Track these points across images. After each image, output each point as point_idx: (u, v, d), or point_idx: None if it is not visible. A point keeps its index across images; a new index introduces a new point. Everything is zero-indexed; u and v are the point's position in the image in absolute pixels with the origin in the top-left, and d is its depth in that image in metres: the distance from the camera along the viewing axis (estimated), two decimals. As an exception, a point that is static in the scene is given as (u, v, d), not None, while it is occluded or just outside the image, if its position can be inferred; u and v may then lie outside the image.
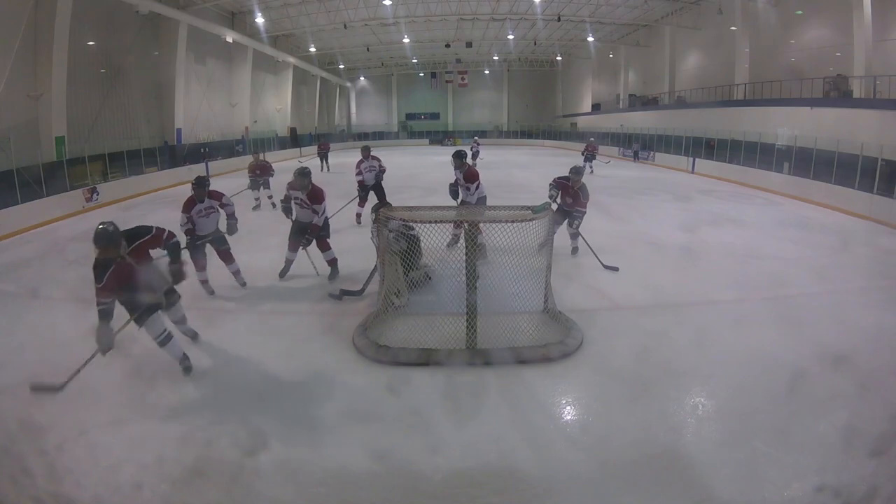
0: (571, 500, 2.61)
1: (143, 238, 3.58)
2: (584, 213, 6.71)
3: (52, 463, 2.84)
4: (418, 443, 3.04)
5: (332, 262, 6.02)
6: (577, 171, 6.70)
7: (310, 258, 5.96)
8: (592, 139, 19.59)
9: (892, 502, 2.63)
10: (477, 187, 6.61)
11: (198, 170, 17.54)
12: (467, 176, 6.57)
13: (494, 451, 2.94)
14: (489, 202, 6.65)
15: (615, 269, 6.26)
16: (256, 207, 10.53)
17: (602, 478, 2.73)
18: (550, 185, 6.69)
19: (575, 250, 6.91)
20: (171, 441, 3.02)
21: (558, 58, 36.21)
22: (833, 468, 2.76)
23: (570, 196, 6.64)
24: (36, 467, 2.80)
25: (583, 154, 17.82)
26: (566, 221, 6.80)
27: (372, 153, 8.92)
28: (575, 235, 6.87)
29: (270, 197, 10.62)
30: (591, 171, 17.08)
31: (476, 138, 24.29)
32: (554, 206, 6.12)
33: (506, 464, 2.83)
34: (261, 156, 10.92)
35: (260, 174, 10.46)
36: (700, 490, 2.61)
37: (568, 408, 3.52)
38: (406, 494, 2.65)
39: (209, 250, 5.48)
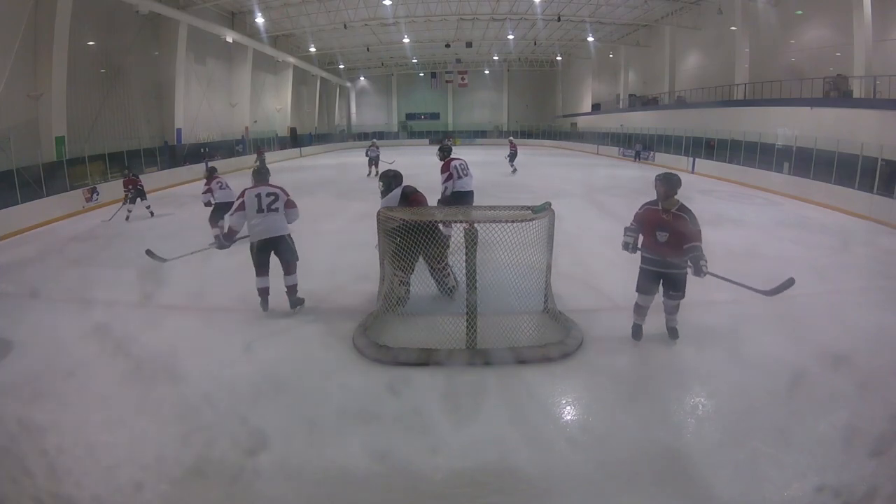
0: (571, 500, 2.61)
1: None
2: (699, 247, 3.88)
3: (52, 463, 2.83)
4: (418, 443, 3.04)
5: None
6: (667, 181, 4.03)
7: None
8: (511, 137, 19.15)
9: (892, 502, 2.63)
10: (444, 180, 6.45)
11: (198, 170, 17.59)
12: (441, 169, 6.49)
13: (494, 451, 2.93)
14: (486, 202, 6.54)
15: (790, 282, 3.90)
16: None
17: (602, 478, 2.73)
18: (628, 229, 4.15)
19: (673, 332, 4.28)
20: (171, 441, 3.02)
21: (558, 58, 36.24)
22: (833, 468, 2.76)
23: (665, 229, 3.96)
24: (36, 467, 2.79)
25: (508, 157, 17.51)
26: (663, 283, 4.09)
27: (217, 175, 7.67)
28: (675, 308, 4.22)
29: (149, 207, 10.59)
30: (515, 171, 16.98)
31: (374, 141, 19.64)
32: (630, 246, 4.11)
33: (506, 464, 2.83)
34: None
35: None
36: (700, 490, 2.61)
37: (568, 408, 3.52)
38: (406, 494, 2.64)
39: None
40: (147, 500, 2.59)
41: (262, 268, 4.80)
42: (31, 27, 11.71)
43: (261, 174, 5.04)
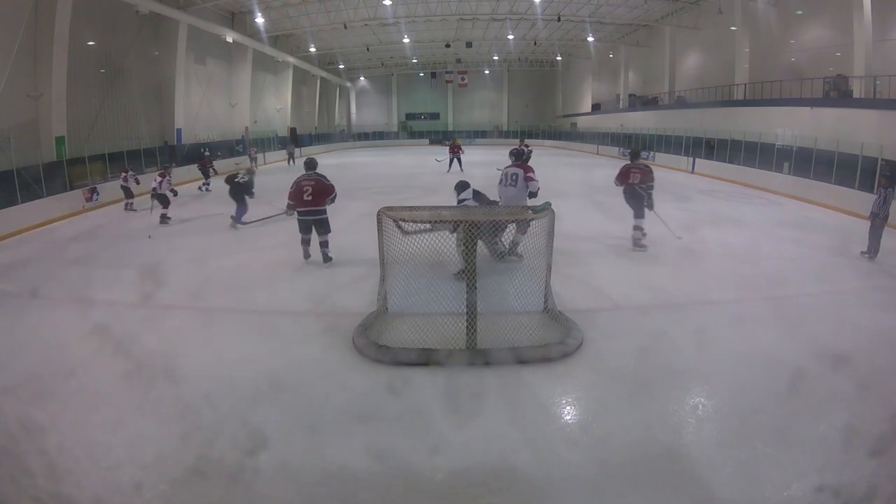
0: (571, 500, 2.61)
1: None
2: None
3: (52, 463, 2.83)
4: (418, 443, 3.04)
5: None
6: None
7: None
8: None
9: (892, 502, 2.63)
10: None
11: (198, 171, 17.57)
12: None
13: (494, 451, 2.93)
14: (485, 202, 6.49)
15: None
16: None
17: (602, 478, 2.73)
18: None
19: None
20: (171, 441, 3.02)
21: (558, 58, 36.20)
22: (833, 468, 2.76)
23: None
24: (36, 467, 2.79)
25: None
26: None
27: None
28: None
29: None
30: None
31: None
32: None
33: (506, 464, 2.83)
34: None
35: None
36: (700, 490, 2.61)
37: (568, 408, 3.52)
38: (406, 494, 2.64)
39: None
40: (147, 500, 2.59)
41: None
42: (31, 27, 11.69)
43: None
